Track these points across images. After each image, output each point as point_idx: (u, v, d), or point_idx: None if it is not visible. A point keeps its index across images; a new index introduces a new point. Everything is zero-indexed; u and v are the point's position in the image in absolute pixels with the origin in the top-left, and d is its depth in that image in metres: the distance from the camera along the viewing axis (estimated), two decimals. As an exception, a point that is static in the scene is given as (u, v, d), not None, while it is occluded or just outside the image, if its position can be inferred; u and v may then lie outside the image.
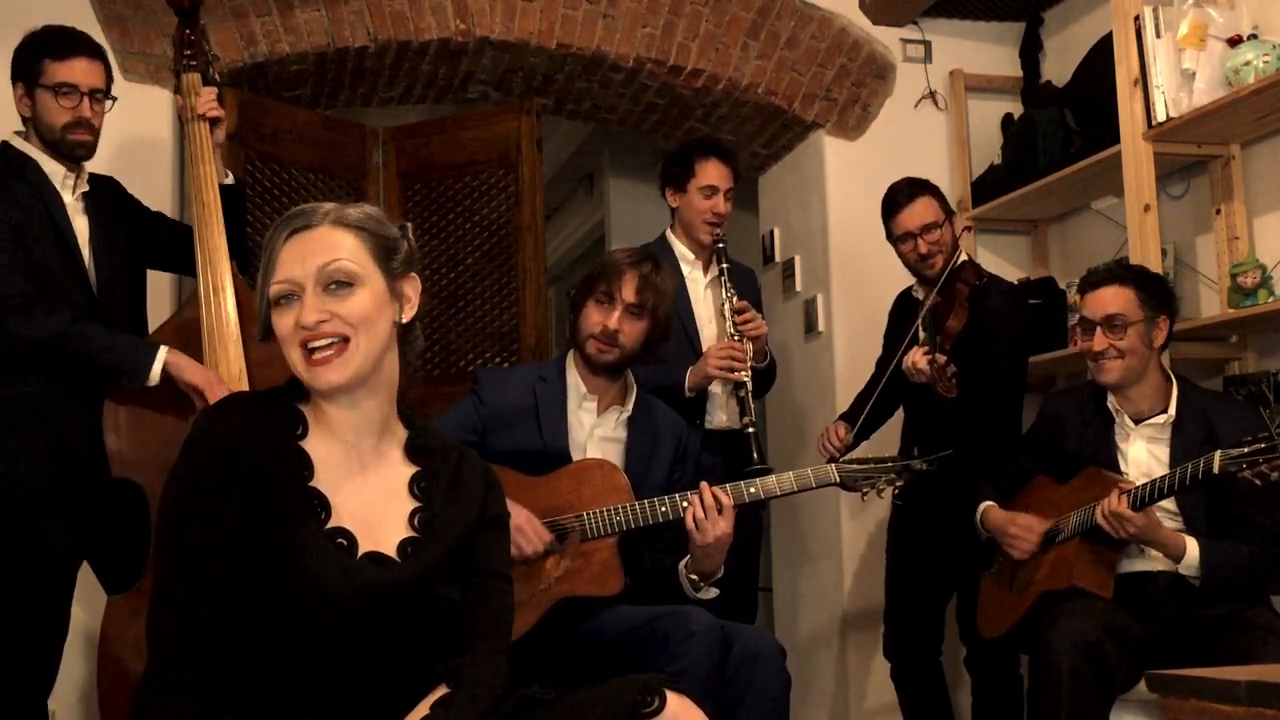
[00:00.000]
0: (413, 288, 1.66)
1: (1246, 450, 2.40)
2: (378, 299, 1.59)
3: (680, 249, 3.44)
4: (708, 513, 2.47)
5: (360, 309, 1.57)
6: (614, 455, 2.69)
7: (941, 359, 3.04)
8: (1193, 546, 2.58)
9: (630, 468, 2.67)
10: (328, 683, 1.52)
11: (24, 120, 2.80)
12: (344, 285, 1.56)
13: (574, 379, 2.72)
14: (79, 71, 2.76)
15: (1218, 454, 2.44)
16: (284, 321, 1.56)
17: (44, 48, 2.76)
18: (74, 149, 2.77)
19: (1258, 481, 2.40)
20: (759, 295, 3.57)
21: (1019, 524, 2.86)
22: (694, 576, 2.57)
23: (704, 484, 2.52)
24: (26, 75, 2.76)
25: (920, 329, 3.23)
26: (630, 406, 2.74)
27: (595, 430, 2.70)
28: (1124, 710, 2.58)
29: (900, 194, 3.34)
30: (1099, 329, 2.74)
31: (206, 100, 2.90)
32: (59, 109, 2.74)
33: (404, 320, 1.64)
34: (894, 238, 3.36)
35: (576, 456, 2.65)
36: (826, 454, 3.34)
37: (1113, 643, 2.48)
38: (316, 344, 1.55)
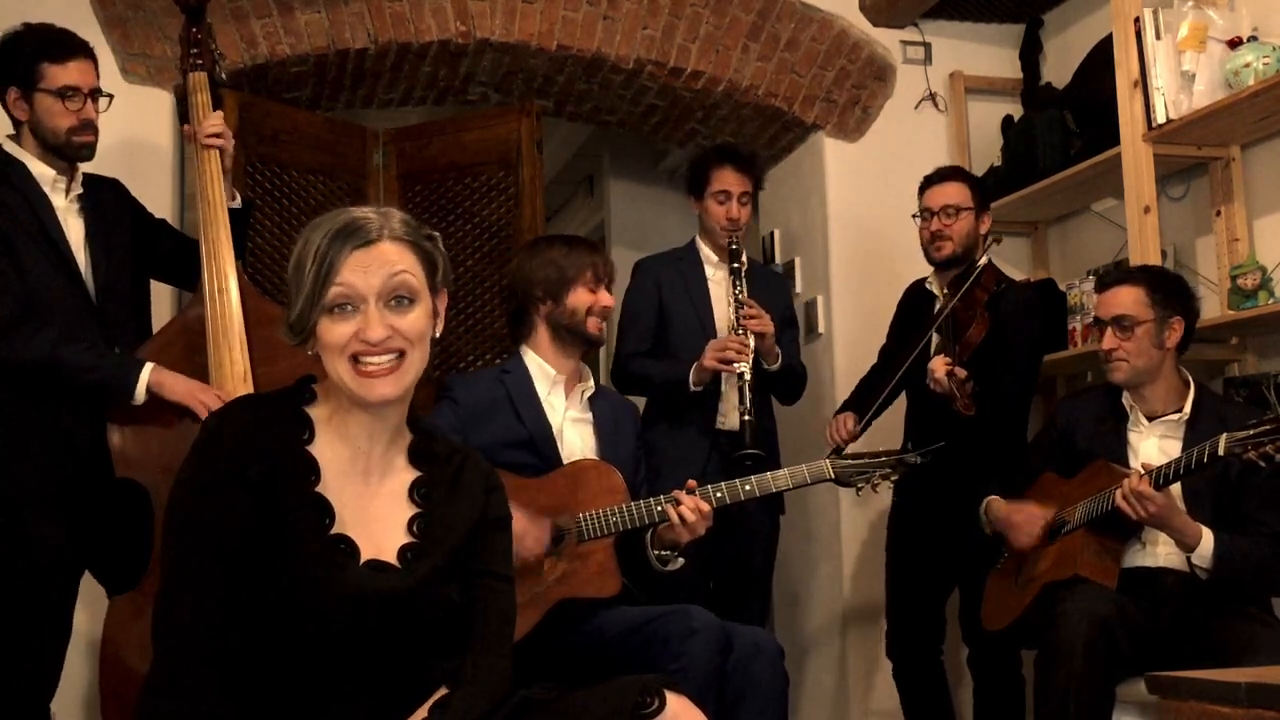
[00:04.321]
0: (443, 303, 1.67)
1: (1252, 432, 2.42)
2: (428, 315, 1.61)
3: (706, 252, 3.57)
4: (699, 516, 2.53)
5: (418, 325, 1.58)
6: (588, 434, 2.74)
7: (961, 374, 3.05)
8: (1208, 536, 2.58)
9: (603, 444, 2.73)
10: (331, 686, 1.53)
11: (15, 123, 2.76)
12: (405, 300, 1.57)
13: (538, 365, 2.75)
14: (80, 73, 2.73)
15: (1224, 436, 2.45)
16: (340, 331, 1.54)
17: (40, 51, 2.70)
18: (79, 150, 2.75)
19: (1262, 464, 2.41)
20: (790, 300, 3.66)
21: (1023, 513, 2.89)
22: (663, 552, 2.58)
23: (679, 493, 2.55)
24: (22, 79, 2.71)
25: (935, 333, 3.23)
26: (591, 384, 2.80)
27: (567, 413, 2.74)
28: (1123, 713, 2.57)
29: (937, 173, 3.44)
30: (1109, 328, 2.78)
31: (213, 124, 2.83)
32: (64, 112, 2.71)
33: (437, 335, 1.65)
34: (918, 213, 3.42)
35: (555, 440, 2.68)
36: (833, 444, 3.35)
37: (1122, 625, 2.49)
38: (373, 358, 1.55)
